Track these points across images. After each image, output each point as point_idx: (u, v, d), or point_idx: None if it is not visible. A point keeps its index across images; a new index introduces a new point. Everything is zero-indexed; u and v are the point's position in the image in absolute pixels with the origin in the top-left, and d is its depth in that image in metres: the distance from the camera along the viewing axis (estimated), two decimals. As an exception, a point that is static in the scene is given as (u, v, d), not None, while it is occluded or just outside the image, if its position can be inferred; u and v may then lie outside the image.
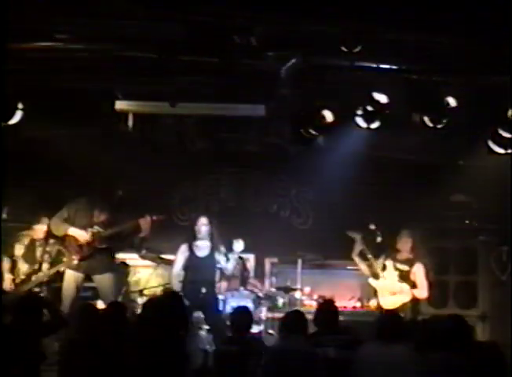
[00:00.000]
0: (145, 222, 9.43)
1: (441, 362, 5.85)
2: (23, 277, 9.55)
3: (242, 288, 10.30)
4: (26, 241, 9.68)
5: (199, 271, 9.32)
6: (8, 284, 9.43)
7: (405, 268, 9.91)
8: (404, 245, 9.95)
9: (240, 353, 6.70)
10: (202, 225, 9.38)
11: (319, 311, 7.30)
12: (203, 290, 9.18)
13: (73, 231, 9.43)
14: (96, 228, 9.40)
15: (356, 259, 10.07)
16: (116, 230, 9.45)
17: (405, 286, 9.82)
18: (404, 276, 9.89)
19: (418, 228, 11.16)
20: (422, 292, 9.85)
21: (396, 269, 9.94)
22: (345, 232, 10.13)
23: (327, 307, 7.44)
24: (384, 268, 9.99)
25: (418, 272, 9.89)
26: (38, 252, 9.66)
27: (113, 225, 9.47)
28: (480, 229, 11.15)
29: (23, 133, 9.64)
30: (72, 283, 9.36)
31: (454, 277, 11.18)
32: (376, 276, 9.95)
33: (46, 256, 9.62)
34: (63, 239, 9.55)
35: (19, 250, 9.64)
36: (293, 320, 6.78)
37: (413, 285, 9.84)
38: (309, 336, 6.85)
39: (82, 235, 9.41)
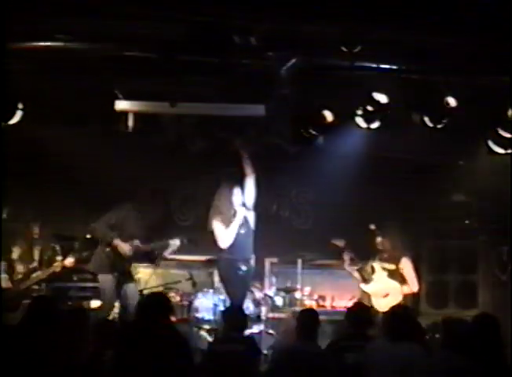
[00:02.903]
0: (175, 244, 9.72)
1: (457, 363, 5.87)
2: (20, 276, 9.56)
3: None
4: (23, 242, 9.68)
5: (235, 243, 9.56)
6: (5, 283, 9.44)
7: (392, 266, 9.97)
8: (384, 244, 10.04)
9: (235, 353, 6.68)
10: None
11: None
12: (244, 267, 9.47)
13: (118, 243, 9.49)
14: (136, 243, 9.51)
15: (349, 269, 10.22)
16: (154, 247, 9.68)
17: (396, 284, 9.87)
18: (393, 274, 9.95)
19: (418, 228, 11.23)
20: (413, 287, 9.92)
21: (384, 268, 10.00)
22: (331, 241, 10.30)
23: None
24: (373, 270, 10.05)
25: (406, 266, 9.98)
26: (36, 251, 9.67)
27: (151, 240, 9.68)
28: (480, 229, 11.16)
29: (23, 133, 9.64)
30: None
31: (454, 277, 11.19)
32: (367, 281, 10.05)
33: (43, 255, 9.65)
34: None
35: (16, 252, 9.64)
36: (306, 320, 6.77)
37: (402, 281, 9.91)
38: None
39: (124, 248, 9.49)
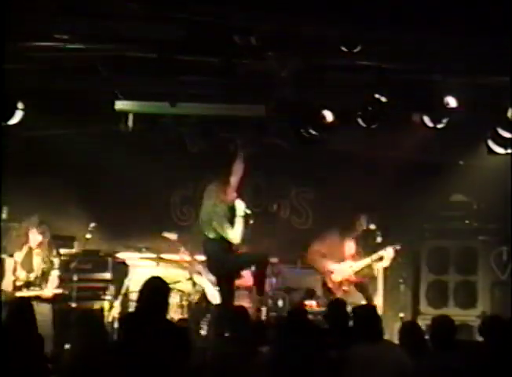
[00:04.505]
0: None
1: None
2: (20, 283, 9.40)
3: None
4: (24, 249, 9.53)
5: None
6: (9, 285, 9.32)
7: None
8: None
9: (239, 353, 6.67)
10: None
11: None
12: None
13: (333, 266, 9.80)
14: (350, 263, 9.69)
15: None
16: (365, 264, 10.01)
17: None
18: None
19: (418, 228, 11.19)
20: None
21: None
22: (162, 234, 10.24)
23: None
24: None
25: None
26: (35, 261, 9.48)
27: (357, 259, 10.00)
28: (480, 229, 11.16)
29: (23, 133, 9.64)
30: None
31: (454, 277, 11.19)
32: None
33: (42, 267, 9.48)
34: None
35: (18, 257, 9.52)
36: (299, 320, 6.75)
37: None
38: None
39: (342, 270, 9.83)
